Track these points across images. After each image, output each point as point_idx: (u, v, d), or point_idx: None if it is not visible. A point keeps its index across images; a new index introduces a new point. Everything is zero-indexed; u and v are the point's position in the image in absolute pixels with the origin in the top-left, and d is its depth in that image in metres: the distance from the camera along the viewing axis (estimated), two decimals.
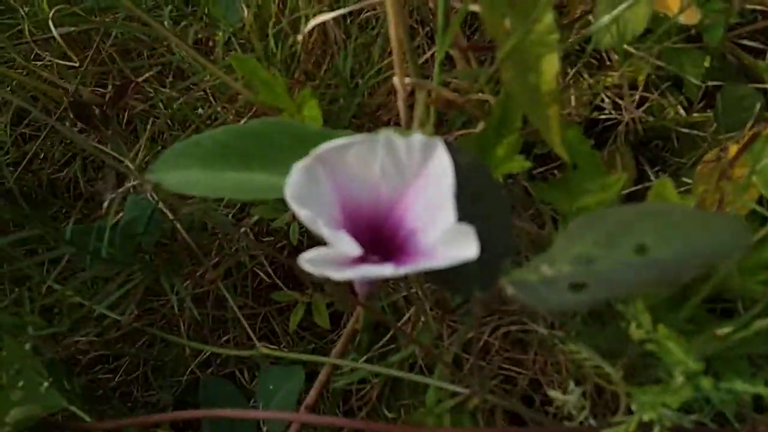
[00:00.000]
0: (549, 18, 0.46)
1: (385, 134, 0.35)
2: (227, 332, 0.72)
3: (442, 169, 0.35)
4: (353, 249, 0.33)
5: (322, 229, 0.33)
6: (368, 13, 0.73)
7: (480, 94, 0.50)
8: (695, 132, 0.73)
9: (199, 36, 0.75)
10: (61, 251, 0.55)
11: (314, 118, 0.50)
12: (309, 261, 0.32)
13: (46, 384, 0.47)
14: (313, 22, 0.56)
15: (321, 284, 0.71)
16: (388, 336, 0.65)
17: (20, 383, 0.46)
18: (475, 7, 0.51)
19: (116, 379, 0.72)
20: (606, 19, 0.58)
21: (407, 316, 0.64)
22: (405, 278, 0.66)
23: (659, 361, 0.43)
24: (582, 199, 0.57)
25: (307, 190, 0.34)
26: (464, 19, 0.76)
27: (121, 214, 0.59)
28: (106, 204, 0.53)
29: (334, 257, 0.33)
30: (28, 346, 0.45)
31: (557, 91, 0.47)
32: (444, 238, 0.34)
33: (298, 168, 0.34)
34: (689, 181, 0.68)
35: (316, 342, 0.73)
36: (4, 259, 0.63)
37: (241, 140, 0.44)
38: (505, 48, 0.43)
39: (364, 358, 0.61)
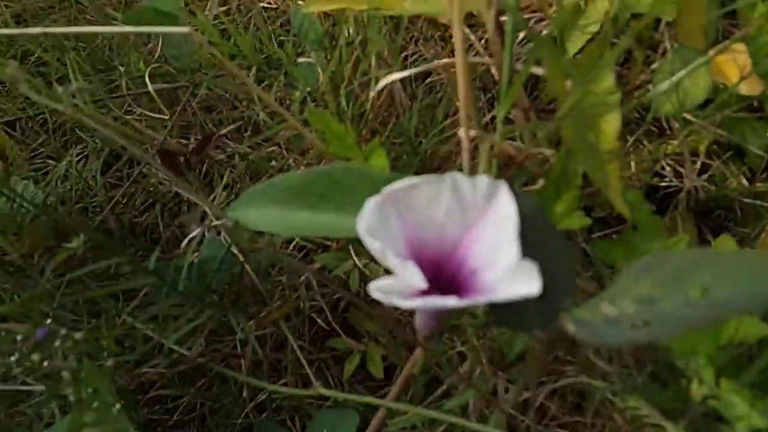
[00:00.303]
0: (610, 80, 0.48)
1: (451, 175, 0.37)
2: (283, 377, 0.73)
3: (506, 209, 0.36)
4: (419, 281, 0.35)
5: (392, 260, 0.35)
6: (434, 78, 0.77)
7: (540, 150, 0.52)
8: (758, 202, 0.73)
9: (278, 95, 0.81)
10: (141, 282, 0.59)
11: (381, 166, 0.53)
12: (377, 288, 0.34)
13: (117, 406, 0.49)
14: (383, 82, 0.60)
15: (376, 335, 0.72)
16: (441, 390, 0.65)
17: (94, 404, 0.49)
18: (537, 70, 0.54)
19: (173, 419, 0.74)
20: (664, 85, 0.60)
21: (462, 369, 0.65)
22: (462, 333, 0.67)
23: (721, 422, 0.42)
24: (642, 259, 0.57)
25: (378, 225, 0.37)
26: (526, 86, 0.79)
27: (196, 254, 0.63)
28: (186, 241, 0.57)
29: (401, 288, 0.35)
30: (109, 363, 0.48)
31: (617, 149, 0.48)
32: (506, 274, 0.35)
33: (370, 204, 0.37)
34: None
35: (368, 394, 0.74)
36: (82, 291, 0.68)
37: (314, 183, 0.47)
38: (565, 106, 0.45)
39: (418, 408, 0.61)
